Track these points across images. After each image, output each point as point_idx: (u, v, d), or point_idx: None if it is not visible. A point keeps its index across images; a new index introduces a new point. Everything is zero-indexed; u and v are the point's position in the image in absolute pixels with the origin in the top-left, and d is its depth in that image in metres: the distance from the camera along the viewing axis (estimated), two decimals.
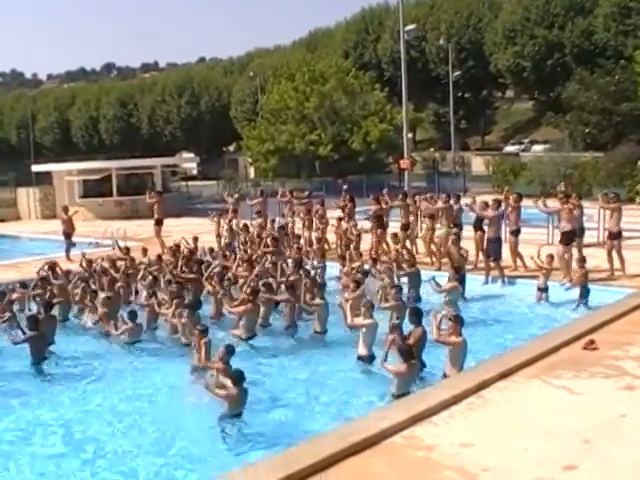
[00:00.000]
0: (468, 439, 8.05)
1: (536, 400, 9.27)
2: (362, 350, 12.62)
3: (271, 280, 16.49)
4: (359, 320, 12.77)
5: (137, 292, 17.29)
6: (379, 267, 17.56)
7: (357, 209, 24.04)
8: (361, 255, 19.54)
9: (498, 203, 19.16)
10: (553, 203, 20.16)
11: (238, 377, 10.22)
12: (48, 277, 17.70)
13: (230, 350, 11.25)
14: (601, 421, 8.49)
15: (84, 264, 19.12)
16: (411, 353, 10.68)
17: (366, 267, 17.81)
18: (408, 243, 21.53)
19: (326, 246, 22.59)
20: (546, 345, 11.35)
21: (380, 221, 21.97)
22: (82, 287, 16.94)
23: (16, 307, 16.55)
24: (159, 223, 25.83)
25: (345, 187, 28.90)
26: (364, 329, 12.64)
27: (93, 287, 17.17)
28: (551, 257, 16.95)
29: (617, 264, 18.02)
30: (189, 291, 16.75)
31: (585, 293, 15.83)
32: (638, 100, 50.16)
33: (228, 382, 10.38)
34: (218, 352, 11.41)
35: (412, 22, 52.62)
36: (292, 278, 16.50)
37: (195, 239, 21.68)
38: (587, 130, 55.55)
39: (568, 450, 7.74)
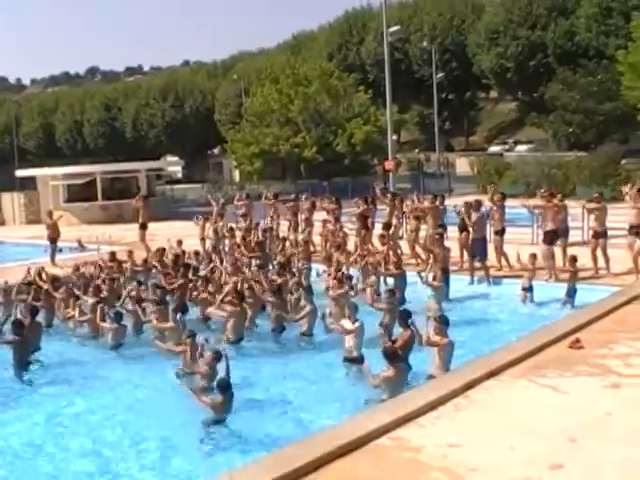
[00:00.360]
0: (455, 440, 8.05)
1: (522, 399, 9.28)
2: (349, 352, 12.61)
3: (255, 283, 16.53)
4: (349, 326, 12.71)
5: (119, 297, 17.29)
6: (368, 267, 17.70)
7: (343, 210, 24.05)
8: (348, 255, 19.54)
9: (479, 203, 19.26)
10: (537, 201, 20.28)
11: (223, 385, 10.20)
12: (33, 282, 17.68)
13: (218, 356, 11.23)
14: (587, 420, 8.52)
15: (71, 270, 19.18)
16: (397, 355, 10.65)
17: (352, 271, 17.90)
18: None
19: (312, 248, 22.60)
20: (532, 344, 11.37)
21: (365, 221, 21.99)
22: (67, 292, 16.91)
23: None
24: (144, 227, 25.78)
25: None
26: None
27: (77, 292, 17.11)
28: (534, 257, 17.01)
29: (602, 263, 18.12)
30: (173, 295, 16.68)
31: (572, 292, 15.90)
32: (620, 100, 50.46)
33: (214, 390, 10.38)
34: (205, 357, 11.40)
35: (395, 24, 52.72)
36: (278, 281, 16.51)
37: (179, 242, 21.64)
38: (570, 130, 55.96)
39: (555, 449, 7.75)
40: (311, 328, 14.70)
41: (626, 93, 46.88)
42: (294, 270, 18.08)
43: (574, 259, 16.65)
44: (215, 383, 10.45)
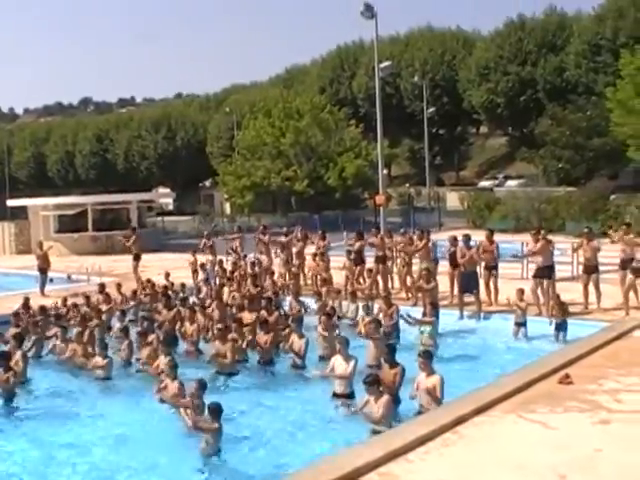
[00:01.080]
0: (444, 475, 8.01)
1: (512, 435, 9.26)
2: (339, 387, 12.53)
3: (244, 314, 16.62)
4: (341, 371, 12.51)
5: (110, 328, 17.37)
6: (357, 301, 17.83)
7: (332, 244, 24.02)
8: (339, 292, 19.54)
9: (468, 238, 19.29)
10: (526, 237, 20.33)
11: (217, 410, 10.15)
12: (20, 313, 17.68)
13: (202, 385, 11.18)
14: (577, 456, 8.49)
15: (59, 302, 19.17)
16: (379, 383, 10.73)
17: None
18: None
19: (302, 282, 22.65)
20: (522, 380, 11.36)
21: (360, 256, 22.00)
22: (54, 323, 16.91)
23: None
24: (137, 258, 25.72)
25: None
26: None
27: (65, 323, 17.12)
28: (522, 292, 16.98)
29: (593, 298, 18.14)
30: (161, 328, 16.65)
31: (563, 327, 15.87)
32: (609, 135, 50.80)
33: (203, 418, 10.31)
34: (190, 388, 11.32)
35: (387, 59, 53.08)
36: (266, 315, 16.48)
37: (167, 275, 21.70)
38: (560, 165, 56.21)
39: None
40: (302, 360, 14.69)
41: (615, 129, 47.22)
42: (284, 303, 18.16)
43: (558, 296, 16.68)
44: (207, 409, 10.37)
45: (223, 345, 14.52)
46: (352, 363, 12.51)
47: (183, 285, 20.90)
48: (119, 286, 20.93)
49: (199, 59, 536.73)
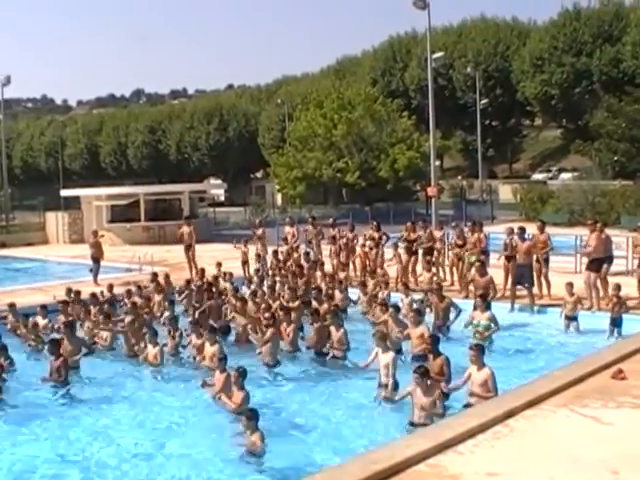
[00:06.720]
0: (494, 468, 7.94)
1: (564, 429, 9.14)
2: (384, 378, 12.48)
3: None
4: (381, 356, 12.57)
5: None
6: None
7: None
8: (387, 284, 19.42)
9: (523, 230, 19.09)
10: (580, 231, 20.07)
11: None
12: (70, 301, 18.06)
13: (243, 372, 11.21)
14: (629, 452, 8.35)
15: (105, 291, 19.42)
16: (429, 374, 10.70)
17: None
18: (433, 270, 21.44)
19: (351, 273, 22.63)
20: (574, 374, 11.21)
21: (411, 248, 21.94)
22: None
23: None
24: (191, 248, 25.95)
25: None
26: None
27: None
28: (571, 285, 16.73)
29: None
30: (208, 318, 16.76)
31: (619, 322, 15.63)
32: None
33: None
34: (231, 377, 11.33)
35: (439, 50, 52.76)
36: (316, 306, 16.54)
37: (218, 265, 21.78)
38: (615, 158, 55.31)
39: None
40: (343, 351, 14.66)
41: None
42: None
43: (619, 287, 16.34)
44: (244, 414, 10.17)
45: (271, 335, 14.57)
46: (392, 354, 12.49)
47: (231, 275, 20.92)
48: (167, 276, 21.10)
49: (250, 51, 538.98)
